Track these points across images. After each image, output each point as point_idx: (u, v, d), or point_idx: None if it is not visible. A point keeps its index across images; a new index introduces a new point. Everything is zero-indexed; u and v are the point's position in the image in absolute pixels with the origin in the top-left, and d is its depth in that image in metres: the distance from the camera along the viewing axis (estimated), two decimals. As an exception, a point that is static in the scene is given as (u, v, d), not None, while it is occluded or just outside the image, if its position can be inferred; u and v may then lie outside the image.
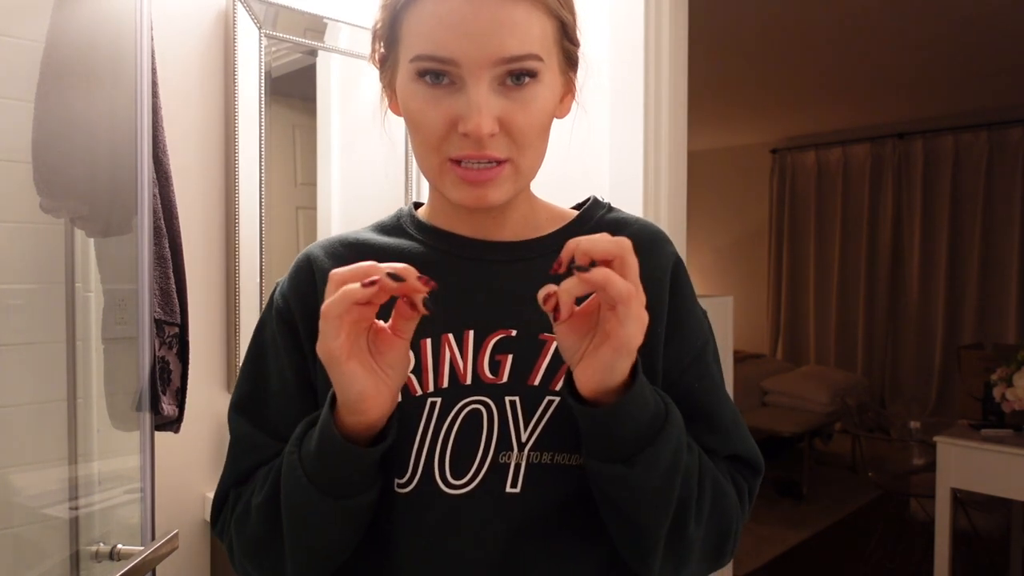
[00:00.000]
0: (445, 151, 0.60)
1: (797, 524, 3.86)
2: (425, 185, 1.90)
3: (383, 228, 0.73)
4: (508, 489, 0.62)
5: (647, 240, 0.70)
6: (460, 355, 0.64)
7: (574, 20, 0.65)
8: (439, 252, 0.69)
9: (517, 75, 0.59)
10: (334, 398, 0.57)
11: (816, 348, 6.04)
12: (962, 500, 3.11)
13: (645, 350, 0.64)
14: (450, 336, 0.65)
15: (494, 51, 0.57)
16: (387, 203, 1.87)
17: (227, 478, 0.69)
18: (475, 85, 0.58)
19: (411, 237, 0.71)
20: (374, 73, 0.69)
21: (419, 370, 0.64)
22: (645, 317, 0.52)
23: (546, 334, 0.64)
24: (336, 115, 1.77)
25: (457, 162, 0.60)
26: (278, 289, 0.71)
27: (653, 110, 1.53)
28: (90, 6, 1.14)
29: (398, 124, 0.72)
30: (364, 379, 0.54)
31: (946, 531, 2.68)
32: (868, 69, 4.12)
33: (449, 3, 0.57)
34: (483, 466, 0.62)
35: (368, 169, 1.84)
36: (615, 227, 0.71)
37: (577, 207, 0.75)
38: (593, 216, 0.73)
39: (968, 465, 2.62)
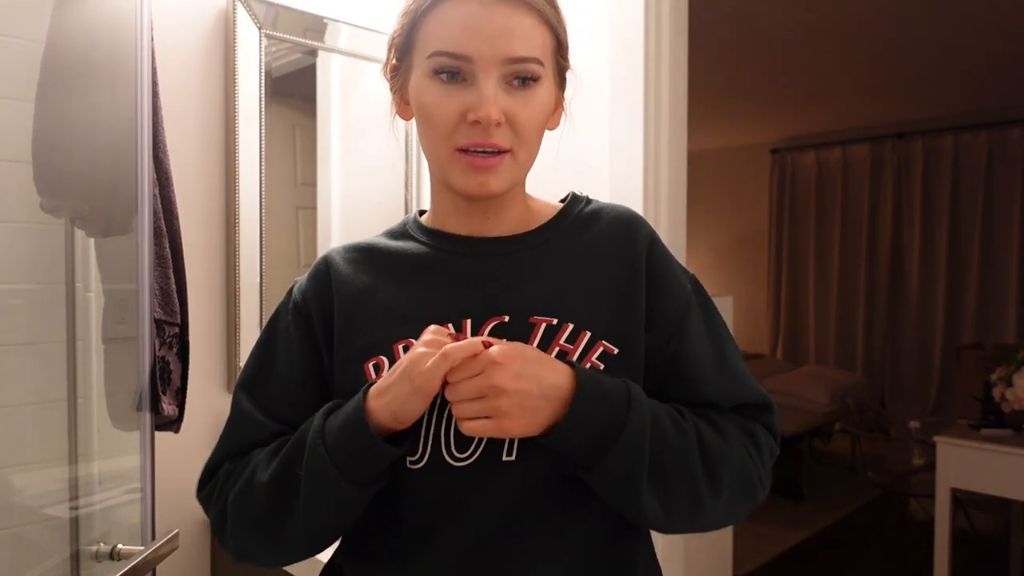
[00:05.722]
0: (454, 141, 0.68)
1: (797, 524, 3.85)
2: (425, 185, 1.90)
3: (392, 234, 0.82)
4: (504, 457, 0.67)
5: (621, 227, 0.76)
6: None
7: (567, 42, 0.74)
8: (438, 251, 0.76)
9: (522, 77, 0.68)
10: (363, 396, 0.65)
11: (816, 348, 6.04)
12: (962, 500, 3.11)
13: (624, 339, 0.71)
14: (450, 325, 0.71)
15: (503, 51, 0.66)
16: (387, 203, 1.87)
17: (221, 449, 0.75)
18: (485, 79, 0.66)
19: (415, 240, 0.79)
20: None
21: None
22: (506, 410, 0.61)
23: (535, 316, 0.71)
24: (336, 115, 1.77)
25: (464, 151, 0.68)
26: (296, 286, 0.80)
27: (653, 110, 1.53)
28: (90, 6, 1.14)
29: (400, 126, 0.75)
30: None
31: (946, 531, 2.68)
32: (868, 69, 4.12)
33: (466, 8, 0.66)
34: (483, 439, 0.68)
35: (368, 169, 1.84)
36: (591, 219, 0.78)
37: (562, 201, 0.82)
38: (573, 211, 0.79)
39: (968, 465, 2.62)
